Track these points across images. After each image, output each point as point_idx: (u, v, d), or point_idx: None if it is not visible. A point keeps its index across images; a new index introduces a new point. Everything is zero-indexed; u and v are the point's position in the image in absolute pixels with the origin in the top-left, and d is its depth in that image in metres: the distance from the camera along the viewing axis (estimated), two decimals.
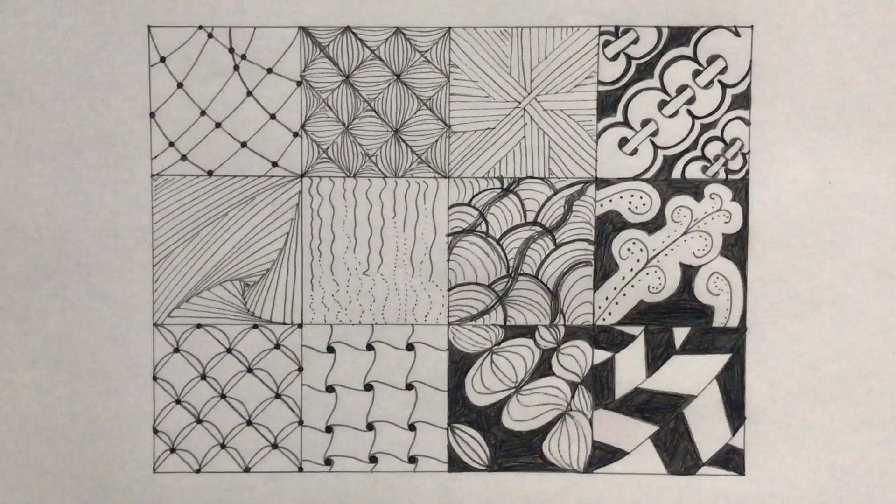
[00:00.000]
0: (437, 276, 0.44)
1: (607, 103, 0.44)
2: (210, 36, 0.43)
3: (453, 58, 0.44)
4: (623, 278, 0.44)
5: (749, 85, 0.43)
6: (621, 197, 0.44)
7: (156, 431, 0.44)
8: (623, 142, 0.44)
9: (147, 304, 0.44)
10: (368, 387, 0.44)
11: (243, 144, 0.44)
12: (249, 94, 0.44)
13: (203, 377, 0.44)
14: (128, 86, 0.43)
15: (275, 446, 0.44)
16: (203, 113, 0.44)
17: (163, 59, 0.43)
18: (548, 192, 0.44)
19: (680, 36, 0.43)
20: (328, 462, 0.44)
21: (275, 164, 0.44)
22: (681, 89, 0.44)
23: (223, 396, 0.44)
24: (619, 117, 0.44)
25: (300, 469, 0.45)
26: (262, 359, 0.44)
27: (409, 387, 0.44)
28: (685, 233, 0.44)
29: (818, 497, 0.44)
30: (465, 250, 0.44)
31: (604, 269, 0.44)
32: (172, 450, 0.44)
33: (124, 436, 0.44)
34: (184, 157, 0.44)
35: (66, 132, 0.43)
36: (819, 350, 0.44)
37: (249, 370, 0.44)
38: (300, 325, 0.44)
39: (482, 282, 0.44)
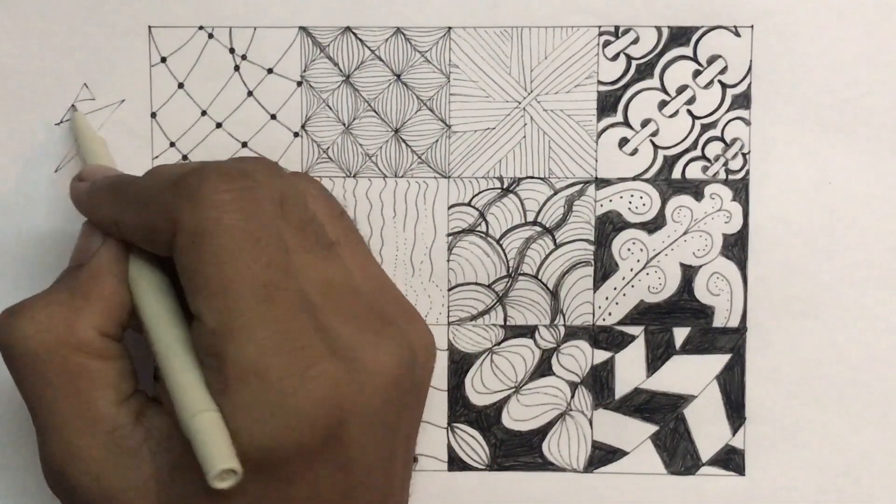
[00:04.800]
0: (437, 276, 0.44)
1: (607, 103, 0.44)
2: (210, 36, 0.43)
3: (453, 58, 0.44)
4: (623, 278, 0.44)
5: (749, 85, 0.43)
6: (621, 197, 0.44)
7: None
8: (623, 142, 0.44)
9: None
10: None
11: (244, 144, 0.44)
12: (250, 94, 0.44)
13: None
14: (128, 86, 0.44)
15: None
16: (204, 113, 0.44)
17: (163, 60, 0.44)
18: (548, 192, 0.44)
19: (680, 36, 0.43)
20: None
21: None
22: (681, 89, 0.44)
23: None
24: (619, 117, 0.44)
25: None
26: None
27: None
28: (685, 233, 0.44)
29: (818, 497, 0.44)
30: (465, 250, 0.44)
31: (604, 269, 0.44)
32: None
33: None
34: (185, 158, 0.44)
35: (67, 132, 0.43)
36: (819, 350, 0.44)
37: None
38: None
39: (482, 282, 0.44)
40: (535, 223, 0.44)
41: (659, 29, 0.43)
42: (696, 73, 0.43)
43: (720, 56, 0.43)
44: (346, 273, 0.38)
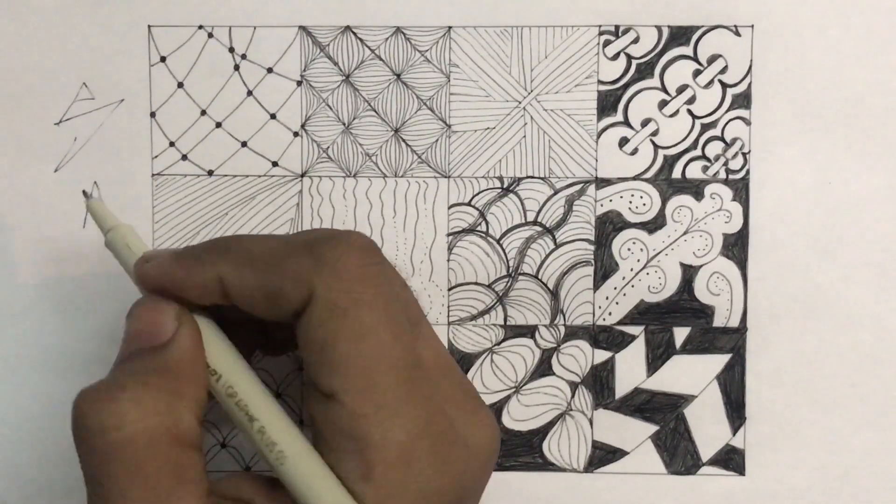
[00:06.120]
0: (437, 276, 0.44)
1: (607, 103, 0.44)
2: (210, 36, 0.43)
3: (453, 58, 0.44)
4: (623, 278, 0.44)
5: (749, 85, 0.43)
6: (621, 197, 0.44)
7: None
8: (623, 141, 0.44)
9: None
10: None
11: (244, 144, 0.44)
12: (250, 93, 0.44)
13: None
14: (128, 86, 0.43)
15: None
16: (203, 112, 0.44)
17: (163, 59, 0.43)
18: (548, 191, 0.44)
19: (680, 36, 0.43)
20: None
21: (275, 164, 0.44)
22: (681, 89, 0.44)
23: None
24: (619, 117, 0.44)
25: None
26: (263, 358, 0.44)
27: None
28: (685, 233, 0.44)
29: (818, 497, 0.44)
30: (465, 250, 0.44)
31: (604, 269, 0.44)
32: None
33: None
34: (184, 157, 0.44)
35: (67, 132, 0.43)
36: (819, 350, 0.44)
37: None
38: None
39: (482, 282, 0.44)
40: (535, 223, 0.44)
41: (659, 28, 0.43)
42: (697, 73, 0.43)
43: (720, 56, 0.43)
44: (435, 352, 0.37)
